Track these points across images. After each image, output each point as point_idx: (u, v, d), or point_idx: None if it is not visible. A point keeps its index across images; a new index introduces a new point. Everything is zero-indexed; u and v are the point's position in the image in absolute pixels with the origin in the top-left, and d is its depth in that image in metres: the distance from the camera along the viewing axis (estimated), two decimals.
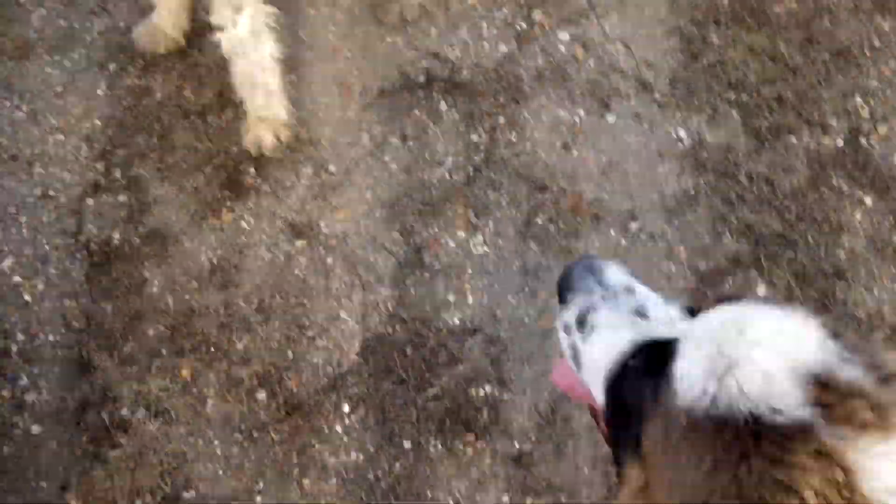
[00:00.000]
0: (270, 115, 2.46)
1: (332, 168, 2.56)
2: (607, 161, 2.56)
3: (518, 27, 2.77)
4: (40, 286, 2.41)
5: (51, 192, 2.56)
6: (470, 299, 2.36)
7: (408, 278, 2.38)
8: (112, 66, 2.73)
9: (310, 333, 2.31)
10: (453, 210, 2.48)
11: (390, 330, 2.33)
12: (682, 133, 2.62)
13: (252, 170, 2.55)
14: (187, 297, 2.37)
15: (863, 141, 2.61)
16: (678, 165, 2.57)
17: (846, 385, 0.76)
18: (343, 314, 2.34)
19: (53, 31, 2.82)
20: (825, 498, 0.69)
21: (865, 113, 2.65)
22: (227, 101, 2.66)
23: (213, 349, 2.29)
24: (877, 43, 2.77)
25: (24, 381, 2.27)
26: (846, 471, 0.70)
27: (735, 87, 2.70)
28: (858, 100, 2.67)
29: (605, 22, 2.78)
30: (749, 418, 0.75)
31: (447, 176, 2.53)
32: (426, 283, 2.37)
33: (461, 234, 2.45)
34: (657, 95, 2.67)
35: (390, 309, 2.34)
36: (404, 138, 2.60)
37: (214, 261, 2.42)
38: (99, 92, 2.72)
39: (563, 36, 2.76)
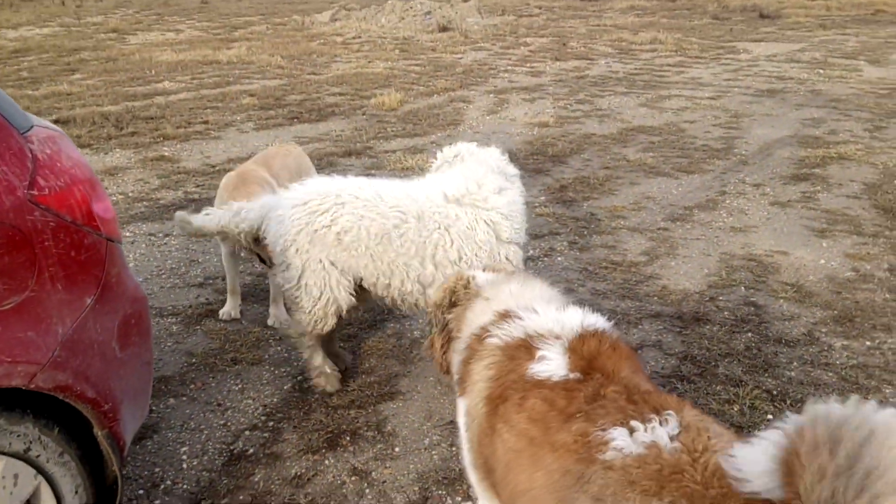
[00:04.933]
0: None
1: (396, 450, 3.82)
2: None
3: None
4: (195, 462, 3.76)
5: (228, 423, 4.08)
6: None
7: None
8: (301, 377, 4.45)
9: None
10: None
11: None
12: None
13: (348, 438, 3.90)
14: (270, 484, 3.57)
15: None
16: None
17: None
18: None
19: (276, 353, 4.70)
20: None
21: None
22: (363, 400, 4.17)
23: None
24: None
25: None
26: None
27: None
28: None
29: None
30: None
31: None
32: None
33: None
34: None
35: None
36: None
37: (299, 472, 3.65)
38: (286, 387, 4.40)
39: None
